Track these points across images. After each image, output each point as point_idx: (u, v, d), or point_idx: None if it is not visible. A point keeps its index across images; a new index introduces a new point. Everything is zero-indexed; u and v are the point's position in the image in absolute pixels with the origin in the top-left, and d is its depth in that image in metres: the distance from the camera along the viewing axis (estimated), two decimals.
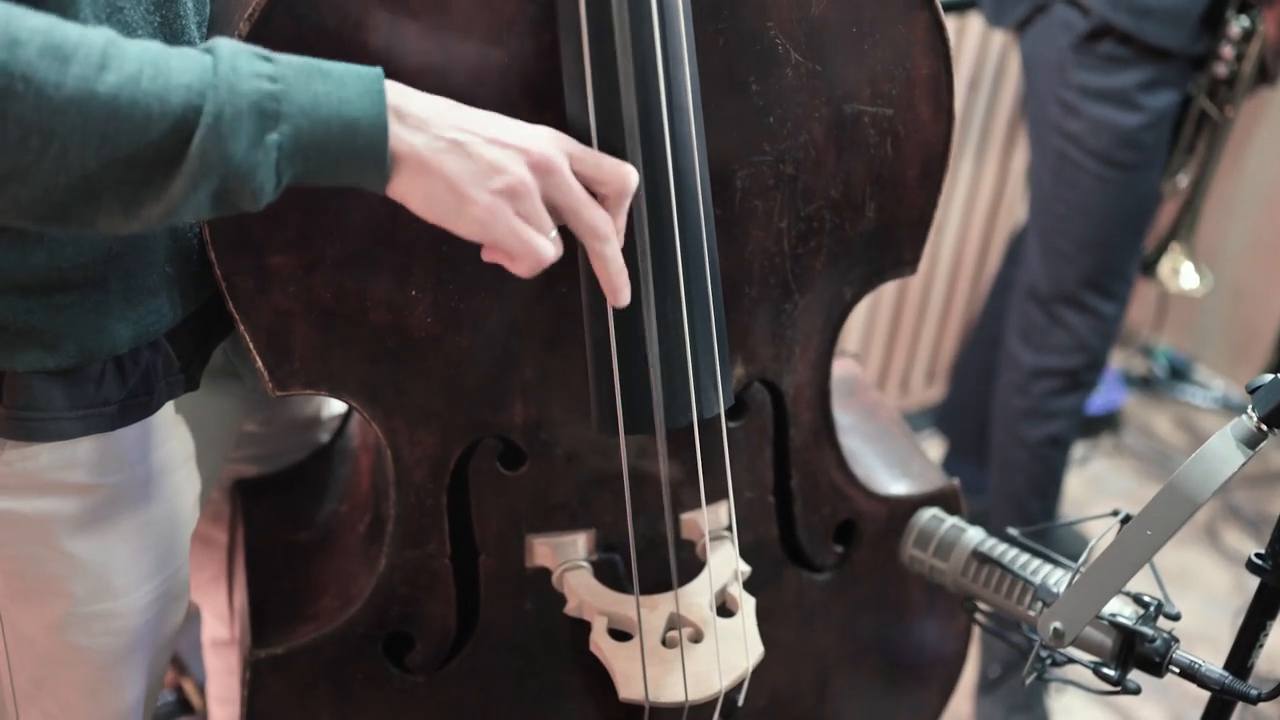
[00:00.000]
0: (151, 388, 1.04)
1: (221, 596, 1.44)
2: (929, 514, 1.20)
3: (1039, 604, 1.09)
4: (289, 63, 0.84)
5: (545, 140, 0.92)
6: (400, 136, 0.87)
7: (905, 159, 1.17)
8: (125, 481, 1.07)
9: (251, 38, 0.92)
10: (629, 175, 0.95)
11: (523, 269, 0.93)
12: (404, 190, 0.89)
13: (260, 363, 1.04)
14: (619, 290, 0.98)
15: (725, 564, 1.21)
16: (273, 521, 1.33)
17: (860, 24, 1.09)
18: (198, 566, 1.21)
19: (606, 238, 0.95)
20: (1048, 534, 1.27)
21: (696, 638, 1.17)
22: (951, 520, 1.19)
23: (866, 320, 2.77)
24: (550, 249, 0.92)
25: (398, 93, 0.88)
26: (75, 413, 1.00)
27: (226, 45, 0.83)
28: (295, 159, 0.84)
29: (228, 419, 1.24)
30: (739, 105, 1.07)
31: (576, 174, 0.94)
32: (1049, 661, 1.12)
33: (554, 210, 0.93)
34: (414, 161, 0.88)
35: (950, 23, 2.48)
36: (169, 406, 1.10)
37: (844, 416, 1.36)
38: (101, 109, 0.77)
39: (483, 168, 0.89)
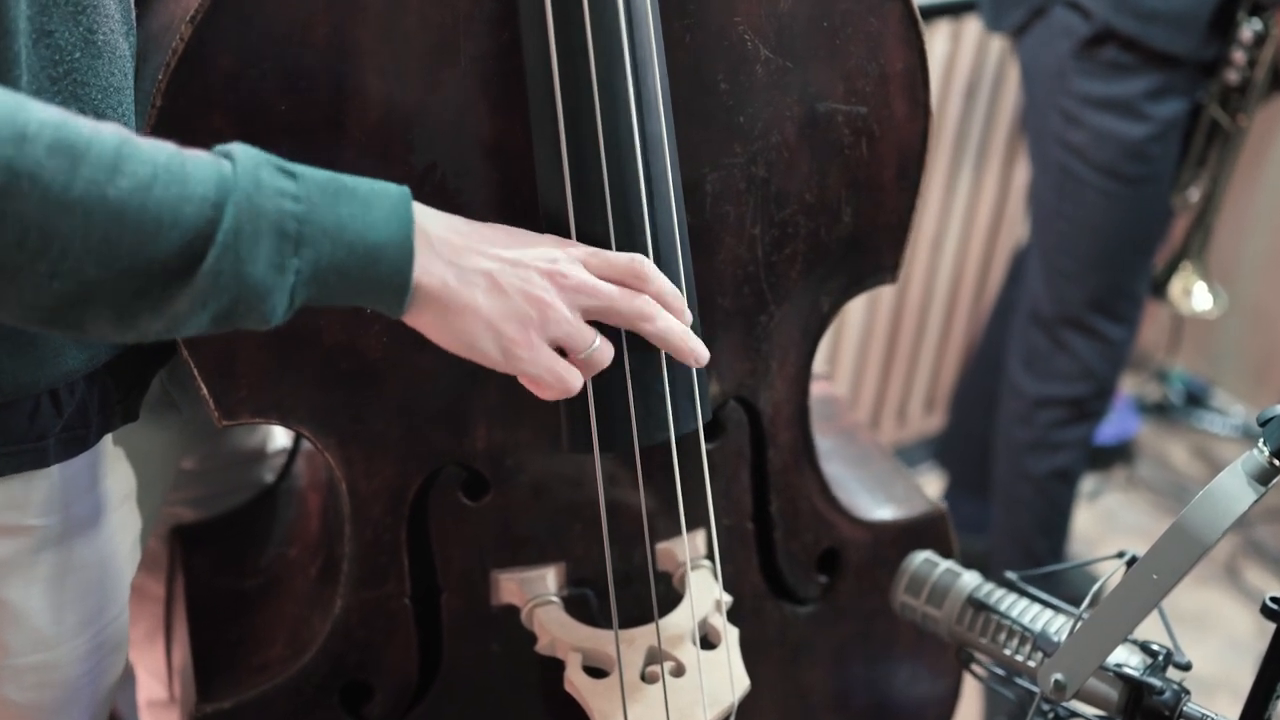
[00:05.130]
0: (88, 420, 1.03)
1: (158, 653, 1.42)
2: (921, 558, 1.19)
3: (1039, 654, 1.08)
4: (312, 179, 0.83)
5: (564, 256, 0.94)
6: (427, 269, 0.87)
7: (881, 159, 1.17)
8: (61, 522, 1.05)
9: (194, 40, 0.91)
10: (642, 265, 0.97)
11: (550, 395, 0.95)
12: (428, 322, 0.90)
13: (205, 390, 1.03)
14: (696, 351, 1.00)
15: (706, 594, 1.21)
16: (215, 569, 1.31)
17: (831, 18, 1.10)
18: (131, 621, 1.20)
19: (654, 315, 0.97)
20: (1053, 576, 1.26)
21: (678, 671, 1.16)
22: (945, 564, 1.18)
23: (860, 344, 2.77)
24: (578, 380, 0.95)
25: (422, 214, 0.88)
26: (6, 448, 0.99)
27: (247, 155, 0.81)
28: (313, 284, 0.83)
29: (168, 453, 1.23)
30: (707, 105, 1.08)
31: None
32: (1051, 715, 1.11)
33: (588, 313, 0.95)
34: (443, 297, 0.88)
35: (946, 27, 2.51)
36: (106, 440, 1.08)
37: (823, 440, 1.36)
38: (109, 215, 0.75)
39: (517, 302, 0.91)
